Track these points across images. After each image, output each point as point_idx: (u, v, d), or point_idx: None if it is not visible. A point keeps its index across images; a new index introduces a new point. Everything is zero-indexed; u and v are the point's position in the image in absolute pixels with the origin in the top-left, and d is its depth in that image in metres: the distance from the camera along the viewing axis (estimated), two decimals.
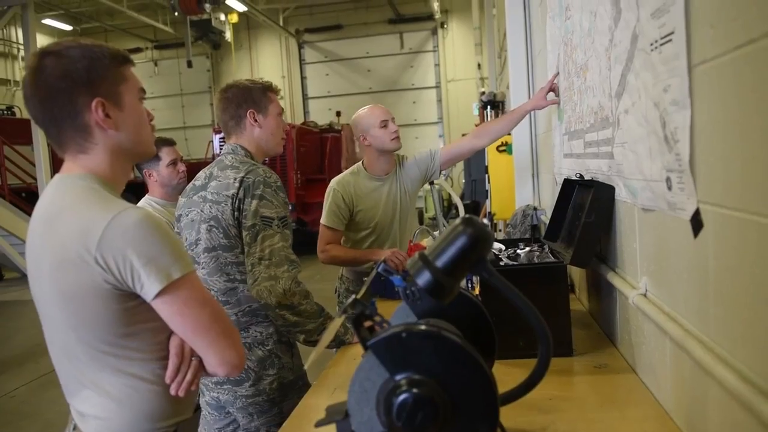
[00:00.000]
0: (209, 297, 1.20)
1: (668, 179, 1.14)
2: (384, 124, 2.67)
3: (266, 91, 2.04)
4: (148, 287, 1.10)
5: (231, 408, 1.94)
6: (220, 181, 1.88)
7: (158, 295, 1.10)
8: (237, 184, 1.83)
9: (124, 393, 1.17)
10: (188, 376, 1.18)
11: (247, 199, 1.81)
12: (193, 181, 2.02)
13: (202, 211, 1.89)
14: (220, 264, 1.87)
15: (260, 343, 1.89)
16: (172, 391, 1.18)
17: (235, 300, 1.88)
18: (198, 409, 1.36)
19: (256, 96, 2.01)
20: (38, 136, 9.66)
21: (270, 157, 2.19)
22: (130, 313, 1.13)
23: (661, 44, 1.13)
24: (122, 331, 1.14)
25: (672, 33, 1.07)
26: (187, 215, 1.96)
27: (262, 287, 1.77)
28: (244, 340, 1.86)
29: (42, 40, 16.60)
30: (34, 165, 10.04)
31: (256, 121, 2.00)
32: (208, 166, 2.01)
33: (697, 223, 1.03)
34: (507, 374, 1.16)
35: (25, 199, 10.59)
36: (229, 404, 1.92)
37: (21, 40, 14.61)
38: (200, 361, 1.20)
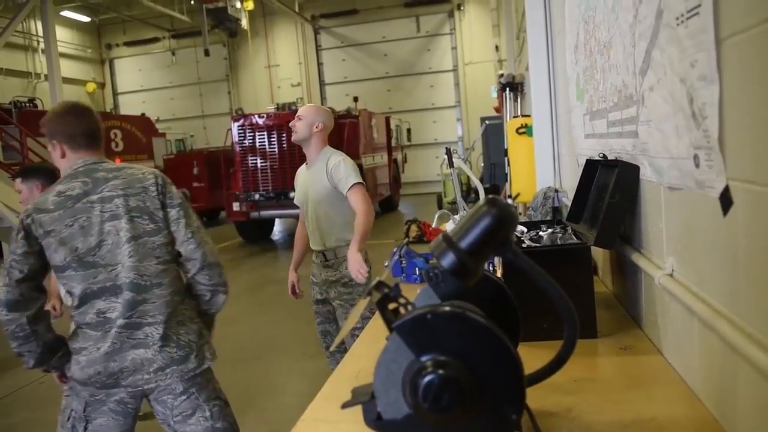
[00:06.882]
0: None
1: (696, 157, 1.12)
2: None
3: None
4: None
5: (190, 389, 2.04)
6: (123, 179, 2.00)
7: None
8: (151, 176, 2.05)
9: None
10: None
11: (168, 185, 2.08)
12: (56, 194, 1.94)
13: (103, 212, 1.93)
14: (148, 249, 1.98)
15: (192, 318, 2.08)
16: None
17: (168, 280, 2.01)
18: None
19: None
20: None
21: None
22: None
23: (688, 18, 1.10)
24: None
25: (699, 6, 1.04)
26: (72, 224, 1.91)
27: (211, 247, 2.10)
28: (182, 314, 2.05)
29: (61, 33, 16.75)
30: None
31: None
32: (67, 180, 1.98)
33: (726, 200, 1.01)
34: (530, 356, 1.15)
35: None
36: (184, 385, 2.02)
37: (41, 33, 14.76)
38: None
